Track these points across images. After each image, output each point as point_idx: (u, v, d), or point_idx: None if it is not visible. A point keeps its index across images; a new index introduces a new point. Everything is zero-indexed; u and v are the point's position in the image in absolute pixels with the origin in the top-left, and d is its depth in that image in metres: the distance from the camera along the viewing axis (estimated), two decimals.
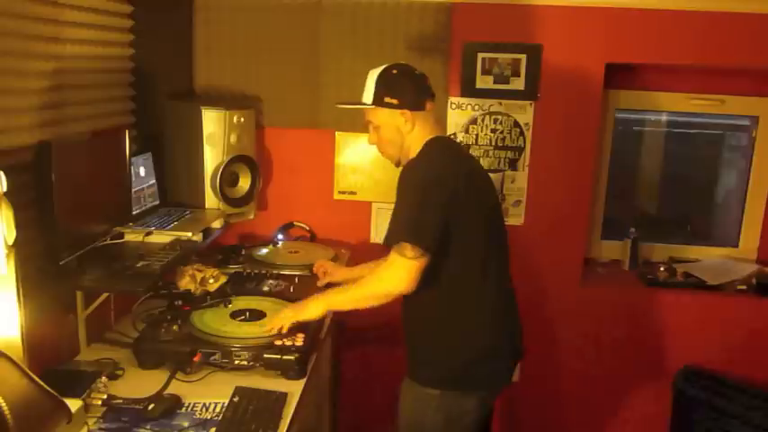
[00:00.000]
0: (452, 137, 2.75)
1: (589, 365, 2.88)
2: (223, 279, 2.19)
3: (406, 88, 1.86)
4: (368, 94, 1.88)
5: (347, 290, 1.93)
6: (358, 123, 2.22)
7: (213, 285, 2.16)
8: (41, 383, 1.30)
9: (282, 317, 1.89)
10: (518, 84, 2.69)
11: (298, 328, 1.90)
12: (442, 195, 1.75)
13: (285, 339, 1.85)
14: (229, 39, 2.72)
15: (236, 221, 2.63)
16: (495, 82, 2.70)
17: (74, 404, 1.44)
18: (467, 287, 1.84)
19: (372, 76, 1.88)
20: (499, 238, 1.93)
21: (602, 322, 2.85)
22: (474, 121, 2.75)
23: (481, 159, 2.77)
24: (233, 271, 2.40)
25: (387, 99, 1.85)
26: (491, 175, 2.73)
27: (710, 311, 2.78)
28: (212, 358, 1.82)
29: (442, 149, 1.87)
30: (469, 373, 1.85)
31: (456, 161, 1.88)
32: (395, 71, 1.87)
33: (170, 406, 1.64)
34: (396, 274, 1.74)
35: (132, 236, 2.06)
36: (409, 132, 1.87)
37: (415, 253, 1.70)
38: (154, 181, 2.40)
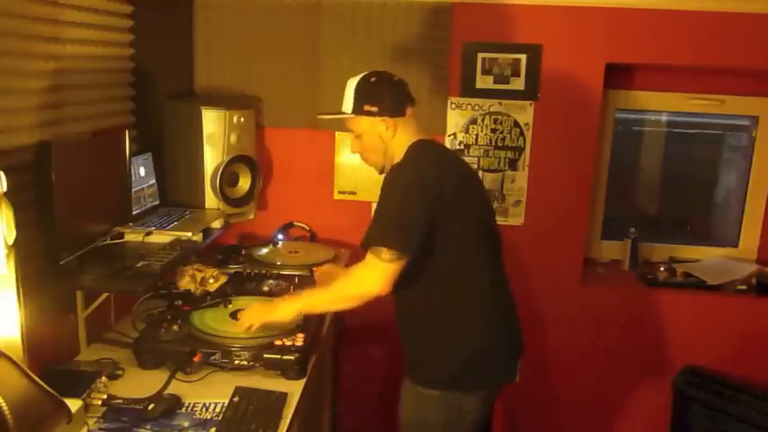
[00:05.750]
0: (451, 137, 2.76)
1: (589, 366, 2.88)
2: (223, 279, 2.19)
3: (386, 95, 1.86)
4: (347, 104, 1.88)
5: (321, 291, 1.93)
6: None
7: (213, 285, 2.16)
8: (41, 383, 1.30)
9: (252, 315, 1.88)
10: (518, 84, 2.69)
11: (298, 328, 1.90)
12: (424, 198, 1.73)
13: (285, 339, 1.85)
14: (229, 39, 2.72)
15: (236, 221, 2.63)
16: (495, 82, 2.70)
17: (74, 404, 1.44)
18: (458, 287, 1.83)
19: (351, 85, 1.88)
20: (491, 236, 1.91)
21: (602, 322, 2.85)
22: (474, 121, 2.75)
23: (481, 159, 2.77)
24: (233, 271, 2.40)
25: (366, 107, 1.85)
26: (491, 175, 2.79)
27: (710, 311, 2.78)
28: (212, 358, 1.82)
29: (425, 152, 1.86)
30: (468, 372, 1.84)
31: (441, 163, 1.86)
32: (373, 79, 1.87)
33: (170, 406, 1.64)
34: (370, 276, 1.74)
35: (132, 236, 2.06)
36: (391, 139, 1.86)
37: (391, 256, 1.70)
38: (154, 181, 2.40)
